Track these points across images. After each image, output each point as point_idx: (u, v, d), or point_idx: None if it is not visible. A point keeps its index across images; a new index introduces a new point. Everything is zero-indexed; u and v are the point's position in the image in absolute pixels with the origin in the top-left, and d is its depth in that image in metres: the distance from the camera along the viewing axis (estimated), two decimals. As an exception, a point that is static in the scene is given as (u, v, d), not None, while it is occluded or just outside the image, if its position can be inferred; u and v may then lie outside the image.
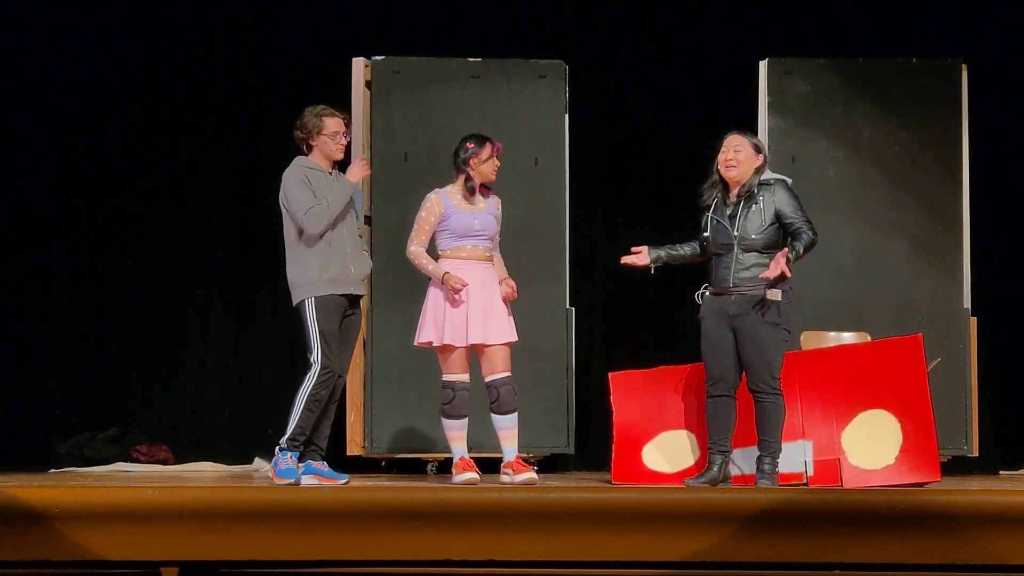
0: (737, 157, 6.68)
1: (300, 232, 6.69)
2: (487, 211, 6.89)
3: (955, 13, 9.07)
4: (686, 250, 6.89)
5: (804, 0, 9.17)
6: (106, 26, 9.26)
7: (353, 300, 6.81)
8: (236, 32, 9.30)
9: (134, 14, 9.25)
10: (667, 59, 9.34)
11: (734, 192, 6.71)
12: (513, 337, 6.86)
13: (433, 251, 6.90)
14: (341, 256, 6.72)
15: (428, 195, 6.92)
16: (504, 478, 6.79)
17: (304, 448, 6.78)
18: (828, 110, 8.56)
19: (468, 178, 6.87)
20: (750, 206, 6.64)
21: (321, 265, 6.68)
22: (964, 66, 8.59)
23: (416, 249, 6.88)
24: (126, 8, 9.24)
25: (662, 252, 6.90)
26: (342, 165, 6.90)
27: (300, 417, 6.63)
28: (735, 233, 6.64)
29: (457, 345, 6.77)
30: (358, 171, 6.85)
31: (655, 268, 6.93)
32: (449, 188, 6.91)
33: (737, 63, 8.84)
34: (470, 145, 6.87)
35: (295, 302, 6.74)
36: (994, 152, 8.96)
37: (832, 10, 9.18)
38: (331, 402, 6.79)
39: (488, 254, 6.90)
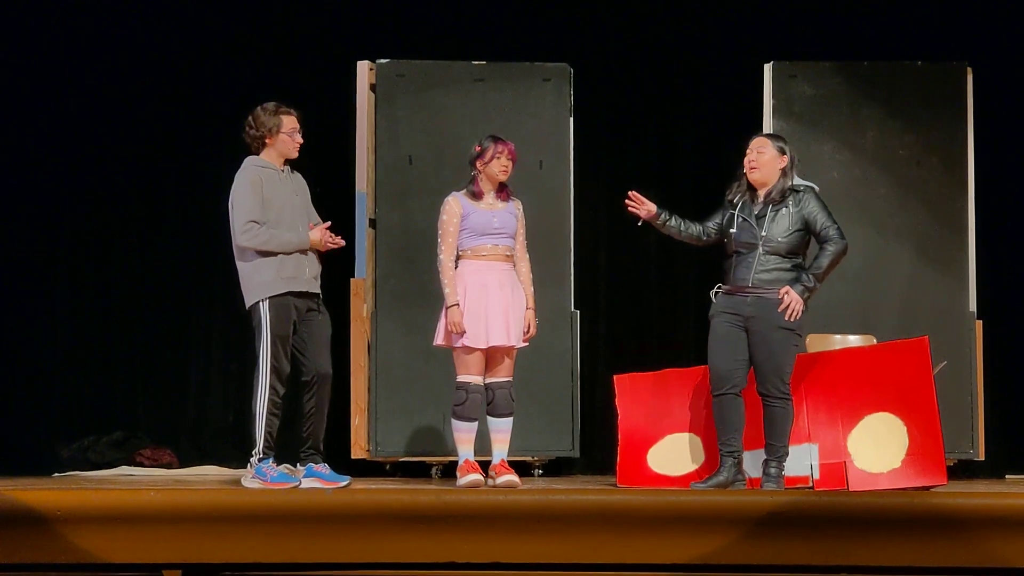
0: (760, 159, 6.70)
1: None
2: (506, 210, 6.90)
3: (960, 16, 9.05)
4: (694, 230, 6.88)
5: (809, 3, 9.15)
6: (110, 31, 9.25)
7: (312, 298, 6.78)
8: (239, 35, 9.29)
9: (137, 19, 9.24)
10: (672, 62, 9.32)
11: (762, 193, 6.72)
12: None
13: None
14: (296, 255, 6.70)
15: (446, 199, 6.94)
16: (488, 481, 6.80)
17: (303, 452, 6.77)
18: (833, 113, 8.55)
19: (472, 180, 6.89)
20: (779, 209, 6.66)
21: (276, 264, 6.65)
22: (969, 69, 8.58)
23: (444, 260, 6.91)
24: (129, 13, 9.23)
25: (671, 218, 6.88)
26: (300, 164, 6.89)
27: (266, 424, 6.61)
28: (762, 233, 6.64)
29: (476, 347, 6.77)
30: (320, 238, 6.74)
31: (647, 224, 6.92)
32: (464, 190, 6.94)
33: (742, 66, 8.83)
34: (477, 147, 6.91)
35: (248, 304, 6.70)
36: (999, 155, 8.94)
37: (837, 13, 9.16)
38: (320, 404, 6.76)
39: (509, 253, 6.89)
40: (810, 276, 6.62)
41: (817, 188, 6.83)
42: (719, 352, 6.69)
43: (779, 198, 6.68)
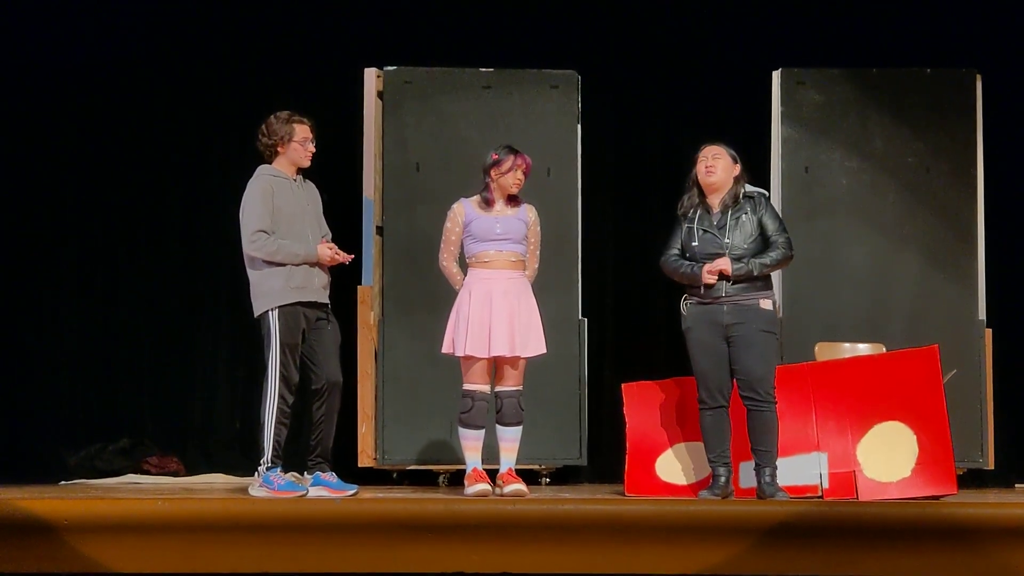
0: (716, 164, 6.73)
1: None
2: (514, 216, 6.88)
3: (969, 23, 9.02)
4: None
5: (817, 10, 9.13)
6: (119, 36, 9.24)
7: (321, 308, 6.77)
8: (248, 43, 9.28)
9: (146, 24, 9.24)
10: (680, 69, 9.30)
11: (716, 201, 6.74)
12: (543, 349, 6.89)
13: (464, 259, 6.94)
14: (304, 265, 6.70)
15: (453, 204, 6.94)
16: (496, 491, 6.78)
17: (311, 460, 6.76)
18: (842, 120, 8.52)
19: (485, 187, 6.87)
20: (738, 216, 6.69)
21: (286, 274, 6.65)
22: (978, 76, 8.55)
23: (444, 264, 6.96)
24: (138, 19, 9.23)
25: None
26: (307, 172, 6.90)
27: (274, 433, 6.61)
28: (726, 241, 6.64)
29: (479, 356, 6.75)
30: (328, 255, 6.74)
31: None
32: (475, 197, 6.92)
33: (750, 73, 8.80)
34: (494, 155, 6.88)
35: (257, 313, 6.71)
36: (1009, 162, 8.91)
37: (846, 20, 9.14)
38: (330, 412, 6.75)
39: (515, 259, 6.87)
40: (752, 262, 6.61)
41: (768, 194, 6.89)
42: (707, 363, 6.66)
43: (733, 202, 6.69)
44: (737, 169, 6.77)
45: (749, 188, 6.78)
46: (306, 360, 6.74)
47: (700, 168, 6.77)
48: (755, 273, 6.61)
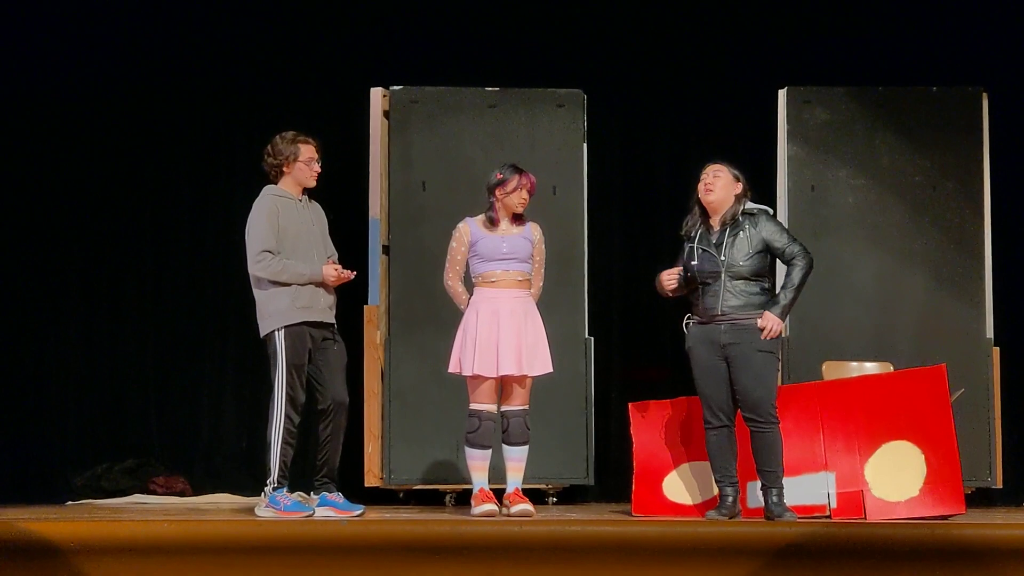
0: (716, 183, 6.72)
1: None
2: (520, 235, 6.88)
3: (975, 42, 9.03)
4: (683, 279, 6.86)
5: (823, 29, 9.14)
6: (126, 57, 9.27)
7: (327, 327, 6.78)
8: (255, 63, 9.30)
9: (152, 45, 9.26)
10: (686, 88, 9.31)
11: (716, 220, 6.73)
12: (549, 368, 6.88)
13: (469, 278, 6.94)
14: (310, 285, 6.70)
15: (458, 224, 6.95)
16: (503, 510, 6.76)
17: (317, 480, 6.75)
18: (848, 138, 8.52)
19: (490, 206, 6.88)
20: (736, 234, 6.66)
21: (292, 294, 6.66)
22: (985, 94, 8.54)
23: (449, 283, 6.97)
24: (143, 40, 9.25)
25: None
26: (313, 192, 6.92)
27: (280, 453, 6.60)
28: (722, 259, 6.62)
29: (487, 376, 6.74)
30: (333, 275, 6.75)
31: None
32: (480, 216, 6.93)
33: (756, 92, 8.81)
34: (499, 175, 6.89)
35: (263, 333, 6.72)
36: (1016, 180, 8.90)
37: (852, 39, 9.15)
38: (336, 432, 6.75)
39: (522, 278, 6.87)
40: (784, 295, 6.59)
41: (771, 211, 6.87)
42: (709, 383, 6.65)
43: (732, 221, 6.67)
44: (739, 187, 6.75)
45: (750, 205, 6.77)
46: (312, 380, 6.75)
47: (700, 187, 6.76)
48: (793, 299, 6.59)
